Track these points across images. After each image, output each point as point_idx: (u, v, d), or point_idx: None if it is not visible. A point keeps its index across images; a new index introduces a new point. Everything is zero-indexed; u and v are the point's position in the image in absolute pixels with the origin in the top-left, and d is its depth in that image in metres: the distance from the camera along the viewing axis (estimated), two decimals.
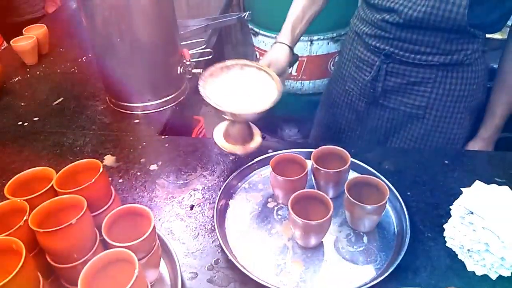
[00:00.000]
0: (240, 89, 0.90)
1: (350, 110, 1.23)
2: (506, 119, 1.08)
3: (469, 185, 0.87)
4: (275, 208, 0.87)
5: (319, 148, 0.87)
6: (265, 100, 0.86)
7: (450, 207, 0.83)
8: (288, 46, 1.03)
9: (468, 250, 0.75)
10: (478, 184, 0.85)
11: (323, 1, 1.12)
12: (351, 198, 0.75)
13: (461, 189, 0.85)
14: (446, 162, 0.96)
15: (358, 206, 0.75)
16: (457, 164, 0.96)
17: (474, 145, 1.12)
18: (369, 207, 0.74)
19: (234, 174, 0.92)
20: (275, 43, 1.05)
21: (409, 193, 0.87)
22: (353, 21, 1.17)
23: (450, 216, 0.82)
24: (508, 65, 1.04)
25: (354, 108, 1.21)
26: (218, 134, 0.93)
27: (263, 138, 0.96)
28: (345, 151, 0.85)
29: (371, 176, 0.81)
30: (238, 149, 0.90)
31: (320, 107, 1.38)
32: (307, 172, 0.84)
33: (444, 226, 0.80)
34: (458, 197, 0.84)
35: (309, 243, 0.77)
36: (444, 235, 0.79)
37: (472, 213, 0.78)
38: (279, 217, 0.85)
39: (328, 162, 0.85)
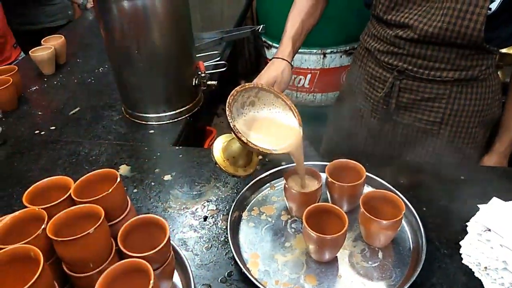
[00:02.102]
0: (263, 120, 0.85)
1: (362, 127, 1.21)
2: None
3: (485, 201, 0.86)
4: (289, 221, 0.87)
5: (334, 161, 0.87)
6: (288, 133, 0.82)
7: (467, 223, 0.82)
8: (290, 62, 1.03)
9: (485, 268, 0.74)
10: (495, 200, 0.84)
11: (320, 14, 1.13)
12: (366, 213, 0.74)
13: (478, 205, 0.84)
14: (463, 177, 0.95)
15: (373, 221, 0.74)
16: (474, 180, 0.95)
17: (490, 159, 1.11)
18: (384, 222, 0.73)
19: (248, 186, 0.92)
20: (275, 58, 1.03)
21: (424, 209, 0.86)
22: (363, 37, 1.16)
23: (467, 232, 0.81)
24: None
25: (366, 124, 1.19)
26: (218, 151, 0.86)
27: (259, 157, 0.93)
28: (360, 165, 0.85)
29: (387, 191, 0.81)
30: (240, 172, 0.86)
31: (329, 124, 1.36)
32: (321, 185, 0.83)
33: (461, 243, 0.79)
34: (475, 213, 0.84)
35: (323, 257, 0.76)
36: (460, 252, 0.78)
37: (489, 230, 0.77)
38: (293, 230, 0.85)
39: (343, 176, 0.84)
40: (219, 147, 0.86)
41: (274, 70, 0.99)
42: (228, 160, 0.85)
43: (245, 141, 0.75)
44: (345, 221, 0.73)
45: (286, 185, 0.83)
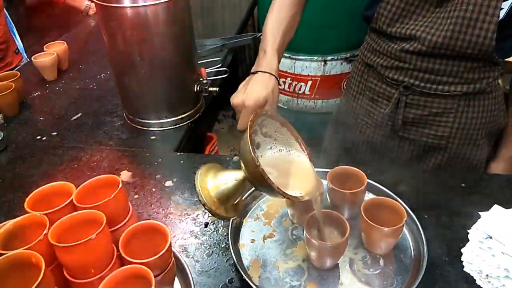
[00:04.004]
0: (272, 156, 0.75)
1: (364, 144, 1.17)
2: None
3: (487, 209, 0.85)
4: (290, 228, 0.87)
5: (335, 168, 0.87)
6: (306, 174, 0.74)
7: (468, 231, 0.82)
8: (276, 77, 0.93)
9: (487, 275, 0.73)
10: (496, 208, 0.84)
11: (297, 26, 1.05)
12: (368, 220, 0.74)
13: (479, 213, 0.84)
14: (463, 185, 0.95)
15: (375, 228, 0.74)
16: (475, 188, 0.95)
17: (497, 166, 1.10)
18: (386, 229, 0.73)
19: (249, 192, 0.92)
20: (260, 72, 0.91)
21: (426, 216, 0.86)
22: (363, 52, 1.12)
23: (468, 240, 0.80)
24: None
25: (369, 141, 1.15)
26: (206, 190, 0.71)
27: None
28: (361, 171, 0.85)
29: (388, 198, 0.81)
30: (230, 213, 0.73)
31: (328, 139, 1.31)
32: (322, 192, 0.83)
33: (462, 250, 0.79)
34: (476, 221, 0.83)
35: (325, 264, 0.76)
36: (462, 259, 0.78)
37: (491, 237, 0.77)
38: (294, 237, 0.84)
39: (344, 183, 0.84)
40: (207, 183, 0.71)
41: (264, 88, 0.88)
42: (219, 200, 0.70)
43: (282, 193, 0.65)
44: (346, 228, 0.73)
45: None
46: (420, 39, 0.93)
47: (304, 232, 0.73)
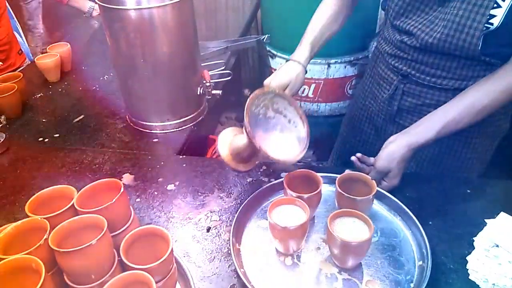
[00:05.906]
0: (274, 126, 0.89)
1: (369, 125, 1.25)
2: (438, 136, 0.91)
3: (492, 216, 0.85)
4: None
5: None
6: (293, 143, 0.88)
7: (474, 238, 0.81)
8: (304, 66, 1.04)
9: (493, 284, 0.72)
10: (503, 216, 0.83)
11: (342, 22, 1.14)
12: (343, 192, 0.79)
13: (486, 220, 0.83)
14: (468, 191, 0.94)
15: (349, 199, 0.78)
16: (480, 194, 0.94)
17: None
18: (359, 198, 0.78)
19: (252, 195, 0.91)
20: (290, 60, 1.05)
21: (430, 223, 0.85)
22: (379, 39, 1.20)
23: (474, 248, 0.79)
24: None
25: (373, 123, 1.23)
26: (224, 144, 0.88)
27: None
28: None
29: (359, 173, 0.87)
30: (241, 168, 0.89)
31: (343, 121, 1.41)
32: (308, 220, 0.77)
33: (468, 258, 0.78)
34: (482, 228, 0.82)
35: (346, 263, 0.76)
36: (467, 267, 0.77)
37: (497, 246, 0.76)
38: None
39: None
40: (227, 140, 0.88)
41: (288, 74, 1.01)
42: (231, 154, 0.86)
43: (258, 147, 0.78)
44: (370, 225, 0.73)
45: (271, 221, 0.76)
46: (416, 36, 0.98)
47: (328, 230, 0.72)
